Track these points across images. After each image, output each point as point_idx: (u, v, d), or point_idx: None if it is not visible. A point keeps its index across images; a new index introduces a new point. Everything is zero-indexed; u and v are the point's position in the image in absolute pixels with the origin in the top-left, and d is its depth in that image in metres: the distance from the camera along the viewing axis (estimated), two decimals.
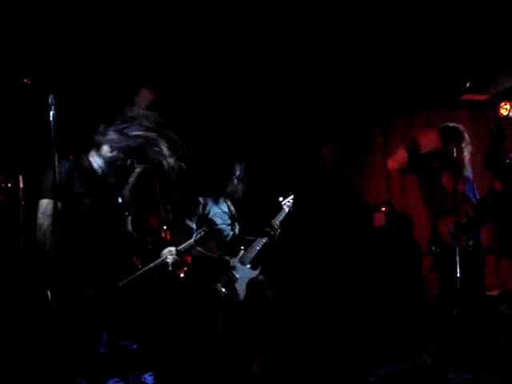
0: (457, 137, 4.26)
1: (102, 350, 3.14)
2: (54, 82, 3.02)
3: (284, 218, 4.35)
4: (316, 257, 5.32)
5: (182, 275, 4.24)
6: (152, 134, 3.03)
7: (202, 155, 4.44)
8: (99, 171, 3.13)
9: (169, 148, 3.08)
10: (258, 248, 4.21)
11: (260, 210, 4.50)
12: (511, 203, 4.38)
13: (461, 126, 4.35)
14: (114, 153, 3.07)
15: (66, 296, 2.83)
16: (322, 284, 5.19)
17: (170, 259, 3.39)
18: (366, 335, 4.75)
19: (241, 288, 4.05)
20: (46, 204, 2.97)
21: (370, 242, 5.48)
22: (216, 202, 4.27)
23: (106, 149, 3.09)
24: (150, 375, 3.46)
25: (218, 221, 4.16)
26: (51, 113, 2.63)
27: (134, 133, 3.01)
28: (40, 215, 2.98)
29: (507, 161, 4.28)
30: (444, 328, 4.22)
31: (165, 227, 4.46)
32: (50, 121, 2.63)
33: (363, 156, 6.22)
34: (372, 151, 6.15)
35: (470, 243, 4.10)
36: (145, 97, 3.53)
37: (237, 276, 4.00)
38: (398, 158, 4.36)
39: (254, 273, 4.17)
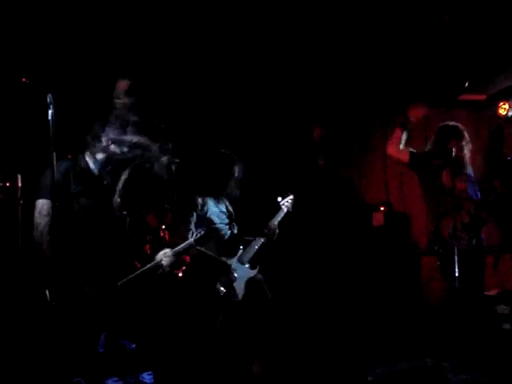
0: (457, 135, 4.26)
1: (101, 350, 3.14)
2: (53, 81, 3.02)
3: (282, 218, 4.35)
4: (315, 256, 5.32)
5: (180, 274, 4.24)
6: (145, 140, 3.06)
7: (202, 156, 4.44)
8: (95, 171, 3.13)
9: (159, 150, 3.10)
10: (256, 247, 4.22)
11: (259, 210, 4.50)
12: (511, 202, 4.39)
13: (460, 125, 4.35)
14: (109, 153, 3.09)
15: (65, 295, 2.83)
16: (320, 283, 5.19)
17: (164, 261, 3.40)
18: (364, 335, 4.75)
19: (239, 287, 4.05)
20: (41, 204, 2.98)
21: (368, 242, 5.48)
22: (214, 202, 4.26)
23: (100, 151, 3.10)
24: (149, 374, 3.47)
25: (215, 220, 4.16)
26: (49, 112, 2.63)
27: (129, 139, 3.03)
28: (36, 215, 2.99)
29: (509, 158, 4.29)
30: (443, 328, 4.22)
31: (163, 227, 4.47)
32: (48, 120, 2.63)
33: (362, 156, 6.22)
34: (371, 151, 6.15)
35: (474, 242, 4.10)
36: (122, 87, 3.54)
37: (235, 275, 3.99)
38: (394, 138, 4.35)
39: (253, 272, 4.18)
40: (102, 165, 3.13)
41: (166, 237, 4.38)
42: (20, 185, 3.49)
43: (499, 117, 5.02)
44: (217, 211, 4.24)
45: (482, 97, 5.68)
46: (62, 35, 4.23)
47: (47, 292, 2.85)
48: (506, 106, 4.96)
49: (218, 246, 4.12)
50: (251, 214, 4.46)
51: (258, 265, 4.24)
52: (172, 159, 3.25)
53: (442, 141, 4.26)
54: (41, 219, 2.96)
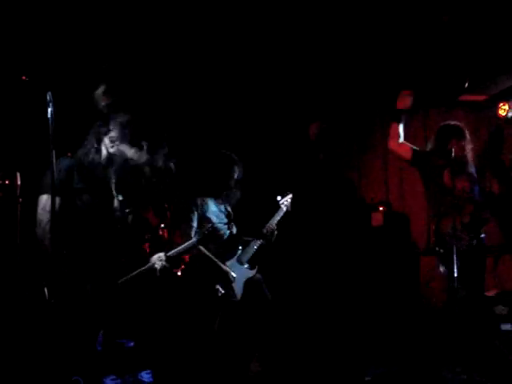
0: (457, 134, 4.25)
1: (99, 348, 3.14)
2: (52, 79, 3.01)
3: (282, 217, 4.34)
4: (314, 256, 5.32)
5: (179, 273, 4.25)
6: (141, 141, 3.07)
7: (201, 156, 4.44)
8: (104, 162, 3.13)
9: (155, 151, 3.11)
10: (255, 248, 4.22)
11: (258, 210, 4.50)
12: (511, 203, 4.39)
13: (461, 124, 4.34)
14: (110, 153, 3.11)
15: (64, 293, 2.83)
16: (319, 283, 5.19)
17: (158, 265, 3.40)
18: (362, 334, 4.75)
19: (238, 287, 4.05)
20: (45, 200, 2.97)
21: (367, 242, 5.48)
22: (214, 202, 4.26)
23: (107, 142, 3.11)
24: (147, 373, 3.47)
25: (214, 219, 4.16)
26: (49, 110, 2.62)
27: (127, 139, 3.05)
28: (40, 211, 2.98)
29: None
30: (442, 328, 4.22)
31: (162, 225, 4.47)
32: (47, 118, 2.63)
33: (362, 156, 6.22)
34: (371, 151, 6.15)
35: (474, 242, 4.09)
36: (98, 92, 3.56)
37: (234, 275, 3.99)
38: (392, 133, 4.34)
39: (252, 272, 4.18)
40: (105, 163, 3.13)
41: (165, 235, 4.39)
42: (19, 183, 3.49)
43: (499, 118, 5.02)
44: (216, 211, 4.24)
45: (482, 97, 5.68)
46: (62, 33, 4.23)
47: (46, 290, 2.84)
48: (506, 107, 4.95)
49: (217, 245, 4.11)
50: (250, 214, 4.46)
51: (257, 265, 4.24)
52: (168, 160, 3.25)
53: (443, 140, 4.25)
54: (44, 215, 2.95)
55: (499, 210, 4.40)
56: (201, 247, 3.82)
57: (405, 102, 4.31)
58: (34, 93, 2.74)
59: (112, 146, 3.13)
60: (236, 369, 4.00)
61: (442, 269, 4.12)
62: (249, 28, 4.73)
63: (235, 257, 4.15)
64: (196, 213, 4.13)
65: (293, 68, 5.28)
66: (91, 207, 3.07)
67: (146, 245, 4.45)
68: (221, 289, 3.94)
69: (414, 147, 4.33)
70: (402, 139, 4.30)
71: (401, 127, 4.31)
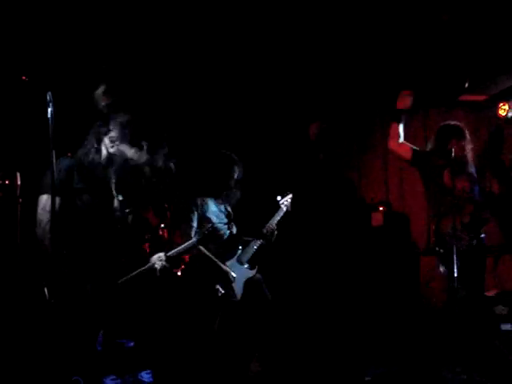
0: (457, 134, 4.25)
1: (99, 348, 3.14)
2: (52, 79, 3.01)
3: (282, 217, 4.34)
4: (314, 256, 5.32)
5: (179, 273, 4.24)
6: (141, 141, 3.07)
7: (201, 156, 4.44)
8: (104, 162, 3.12)
9: (155, 151, 3.12)
10: (255, 247, 4.21)
11: (258, 210, 4.50)
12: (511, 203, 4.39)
13: (461, 124, 4.34)
14: (110, 153, 3.11)
15: (64, 293, 2.83)
16: (319, 283, 5.19)
17: (158, 265, 3.39)
18: (362, 334, 4.75)
19: (238, 287, 4.04)
20: (45, 200, 2.97)
21: (367, 242, 5.48)
22: (214, 202, 4.26)
23: (107, 142, 3.11)
24: (147, 373, 3.47)
25: (214, 219, 4.16)
26: (49, 110, 2.62)
27: (127, 140, 3.05)
28: (40, 211, 2.98)
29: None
30: (442, 328, 4.22)
31: (162, 225, 4.47)
32: (47, 118, 2.63)
33: (362, 156, 6.22)
34: (371, 151, 6.15)
35: (474, 242, 4.09)
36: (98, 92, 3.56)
37: (234, 276, 3.99)
38: (392, 133, 4.33)
39: (252, 272, 4.18)
40: (105, 163, 3.13)
41: (165, 235, 4.38)
42: (19, 183, 3.49)
43: (499, 118, 5.02)
44: (216, 211, 4.23)
45: (482, 97, 5.68)
46: (62, 33, 4.23)
47: (46, 290, 2.84)
48: (506, 107, 4.95)
49: (217, 245, 4.11)
50: (250, 214, 4.46)
51: (257, 265, 4.24)
52: (168, 160, 3.25)
53: (443, 140, 4.25)
54: (44, 215, 2.95)
55: (499, 209, 4.40)
56: (201, 247, 3.82)
57: (405, 102, 4.30)
58: (34, 93, 2.74)
59: (112, 146, 3.13)
60: (236, 369, 4.00)
61: (441, 269, 4.12)
62: (249, 28, 4.73)
63: (235, 257, 4.15)
64: (196, 213, 4.13)
65: (293, 68, 5.28)
66: (91, 207, 3.07)
67: (146, 245, 4.45)
68: (221, 289, 3.94)
69: (414, 147, 4.33)
70: (402, 139, 4.30)
71: (401, 127, 4.30)
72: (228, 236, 4.23)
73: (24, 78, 2.83)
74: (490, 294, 4.67)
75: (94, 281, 3.02)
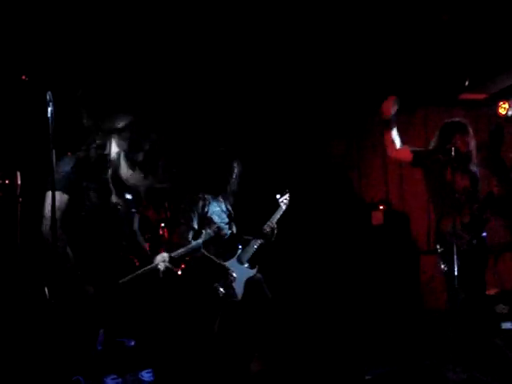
0: (460, 129, 4.21)
1: (99, 348, 3.13)
2: (52, 79, 3.01)
3: (281, 216, 4.34)
4: (314, 255, 5.33)
5: (179, 273, 4.24)
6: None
7: (201, 154, 4.44)
8: (115, 157, 3.10)
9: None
10: (255, 247, 4.21)
11: (257, 209, 4.50)
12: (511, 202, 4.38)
13: (465, 120, 4.31)
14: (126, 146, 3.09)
15: (65, 293, 2.83)
16: (319, 282, 5.20)
17: (161, 266, 3.36)
18: (362, 333, 4.75)
19: (239, 287, 4.04)
20: (56, 195, 2.94)
21: (368, 240, 5.49)
22: (215, 201, 4.25)
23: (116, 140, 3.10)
24: (148, 372, 3.46)
25: (216, 219, 4.15)
26: (49, 109, 2.62)
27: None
28: (48, 206, 2.94)
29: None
30: (442, 327, 4.22)
31: (162, 225, 4.46)
32: (47, 117, 2.63)
33: (362, 156, 6.23)
34: (370, 151, 6.16)
35: (474, 242, 4.08)
36: None
37: (234, 275, 3.99)
38: (387, 141, 4.26)
39: (252, 272, 4.17)
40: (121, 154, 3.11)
41: (165, 235, 4.38)
42: (19, 182, 3.49)
43: (499, 116, 5.02)
44: (218, 210, 4.22)
45: (482, 96, 5.68)
46: (62, 33, 4.23)
47: (46, 290, 2.84)
48: (506, 106, 4.96)
49: (218, 245, 4.11)
50: (250, 213, 4.46)
51: (257, 264, 4.24)
52: (168, 168, 3.23)
53: (447, 136, 4.21)
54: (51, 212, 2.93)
55: (499, 209, 4.39)
56: (203, 251, 3.81)
57: (389, 108, 4.22)
58: (34, 93, 2.74)
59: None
60: (236, 369, 4.00)
61: (442, 266, 4.11)
62: (248, 29, 4.74)
63: (235, 256, 4.15)
64: (197, 213, 4.12)
65: (292, 67, 5.28)
66: (98, 206, 3.06)
67: (147, 244, 4.44)
68: (221, 289, 3.93)
69: (414, 148, 4.29)
70: (398, 144, 4.20)
71: (394, 133, 4.21)
72: (228, 235, 4.23)
73: (24, 77, 2.83)
74: (491, 292, 4.67)
75: (95, 280, 3.02)
